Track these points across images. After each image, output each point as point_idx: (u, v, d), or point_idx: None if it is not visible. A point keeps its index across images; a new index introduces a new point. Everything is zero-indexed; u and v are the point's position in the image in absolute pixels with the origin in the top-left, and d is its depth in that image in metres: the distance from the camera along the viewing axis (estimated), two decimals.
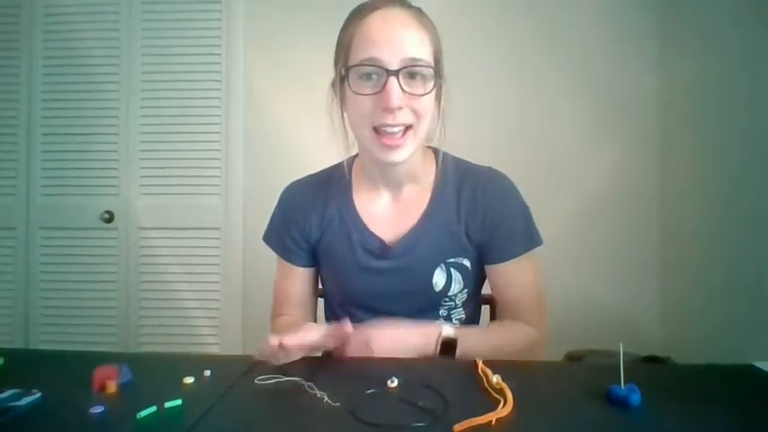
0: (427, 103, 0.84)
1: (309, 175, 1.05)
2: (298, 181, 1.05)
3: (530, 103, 2.13)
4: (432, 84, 0.84)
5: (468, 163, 1.00)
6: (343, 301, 1.00)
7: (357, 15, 0.86)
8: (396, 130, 0.83)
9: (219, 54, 2.25)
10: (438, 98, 0.88)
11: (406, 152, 0.86)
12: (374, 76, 0.82)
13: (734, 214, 1.59)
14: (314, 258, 1.01)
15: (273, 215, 1.05)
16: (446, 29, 0.91)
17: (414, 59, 0.81)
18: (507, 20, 2.14)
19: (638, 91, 2.10)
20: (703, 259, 1.77)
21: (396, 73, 0.80)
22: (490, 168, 0.99)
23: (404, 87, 0.81)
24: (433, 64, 0.85)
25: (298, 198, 1.02)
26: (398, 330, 0.83)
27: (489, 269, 0.96)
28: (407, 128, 0.84)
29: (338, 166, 1.00)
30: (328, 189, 1.00)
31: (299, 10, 2.22)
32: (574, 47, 2.12)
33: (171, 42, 2.26)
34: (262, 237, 1.05)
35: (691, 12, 1.89)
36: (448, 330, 0.84)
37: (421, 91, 0.83)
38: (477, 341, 0.87)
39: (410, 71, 0.82)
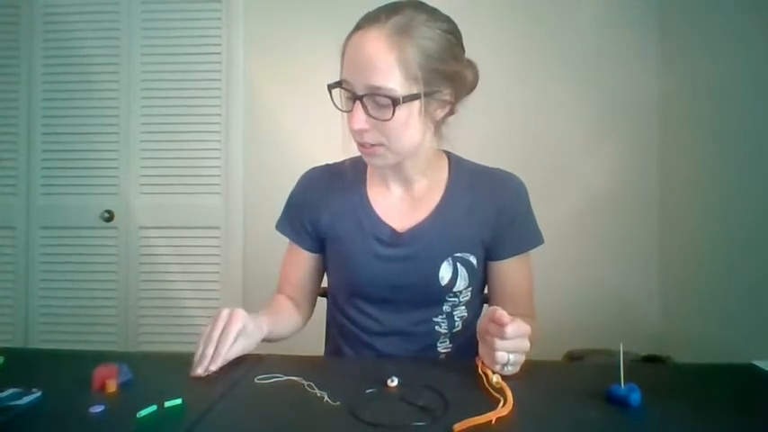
0: (393, 126, 0.83)
1: (328, 164, 1.06)
2: (316, 168, 1.07)
3: (531, 104, 2.13)
4: (392, 111, 0.80)
5: (480, 165, 1.02)
6: (349, 294, 1.01)
7: (353, 29, 0.85)
8: (366, 145, 0.86)
9: (220, 53, 2.25)
10: (429, 111, 0.86)
11: (383, 161, 0.88)
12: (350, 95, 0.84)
13: (734, 214, 1.59)
14: (320, 247, 1.03)
15: (290, 197, 1.07)
16: None
17: (375, 88, 0.80)
18: (508, 22, 2.14)
19: (638, 92, 2.09)
20: (703, 258, 1.77)
21: (360, 98, 0.82)
22: (501, 169, 1.01)
23: (370, 111, 0.82)
24: (399, 89, 0.81)
25: (313, 185, 1.04)
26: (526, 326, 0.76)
27: (498, 265, 0.98)
28: (377, 144, 0.85)
29: (355, 159, 1.01)
30: (343, 179, 1.02)
31: (299, 10, 2.22)
32: (575, 49, 2.11)
33: (171, 42, 2.26)
34: (275, 225, 1.06)
35: (691, 13, 1.89)
36: None
37: (384, 116, 0.82)
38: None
39: (374, 98, 0.82)
